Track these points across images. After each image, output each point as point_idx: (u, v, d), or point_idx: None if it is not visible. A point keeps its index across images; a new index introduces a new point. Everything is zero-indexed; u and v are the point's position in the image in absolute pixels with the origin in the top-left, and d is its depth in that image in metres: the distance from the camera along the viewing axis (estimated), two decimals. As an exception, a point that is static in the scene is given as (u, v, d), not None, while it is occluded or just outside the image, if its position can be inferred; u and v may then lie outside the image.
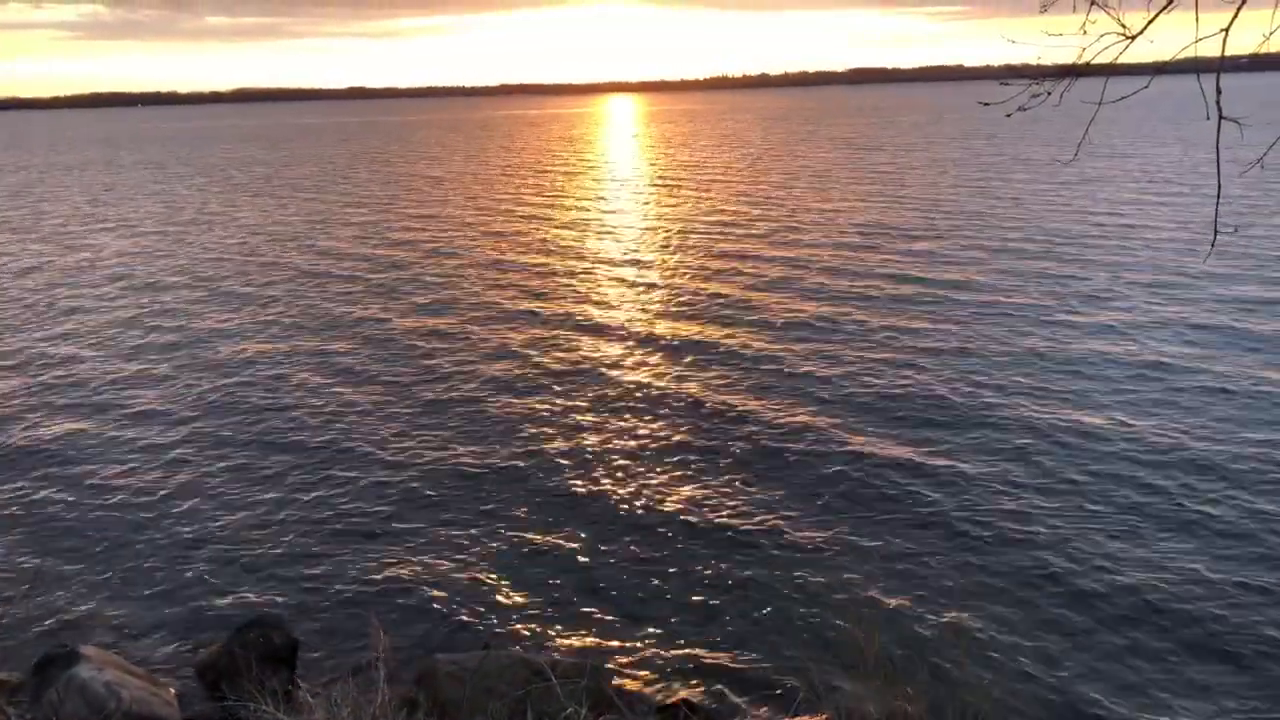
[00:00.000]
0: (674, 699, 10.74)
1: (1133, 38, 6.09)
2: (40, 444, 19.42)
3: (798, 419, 19.27)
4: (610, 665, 11.35)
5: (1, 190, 75.66)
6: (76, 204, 63.86)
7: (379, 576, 13.82)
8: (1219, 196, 7.07)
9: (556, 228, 46.56)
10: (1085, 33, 6.13)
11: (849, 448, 17.74)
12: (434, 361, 24.21)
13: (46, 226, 52.78)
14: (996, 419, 18.86)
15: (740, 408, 20.01)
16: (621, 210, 52.63)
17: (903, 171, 66.19)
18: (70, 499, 16.80)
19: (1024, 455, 17.11)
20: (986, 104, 7.57)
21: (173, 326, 28.96)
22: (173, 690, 11.01)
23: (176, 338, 27.57)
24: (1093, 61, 6.68)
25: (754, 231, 42.55)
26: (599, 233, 44.68)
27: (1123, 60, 6.71)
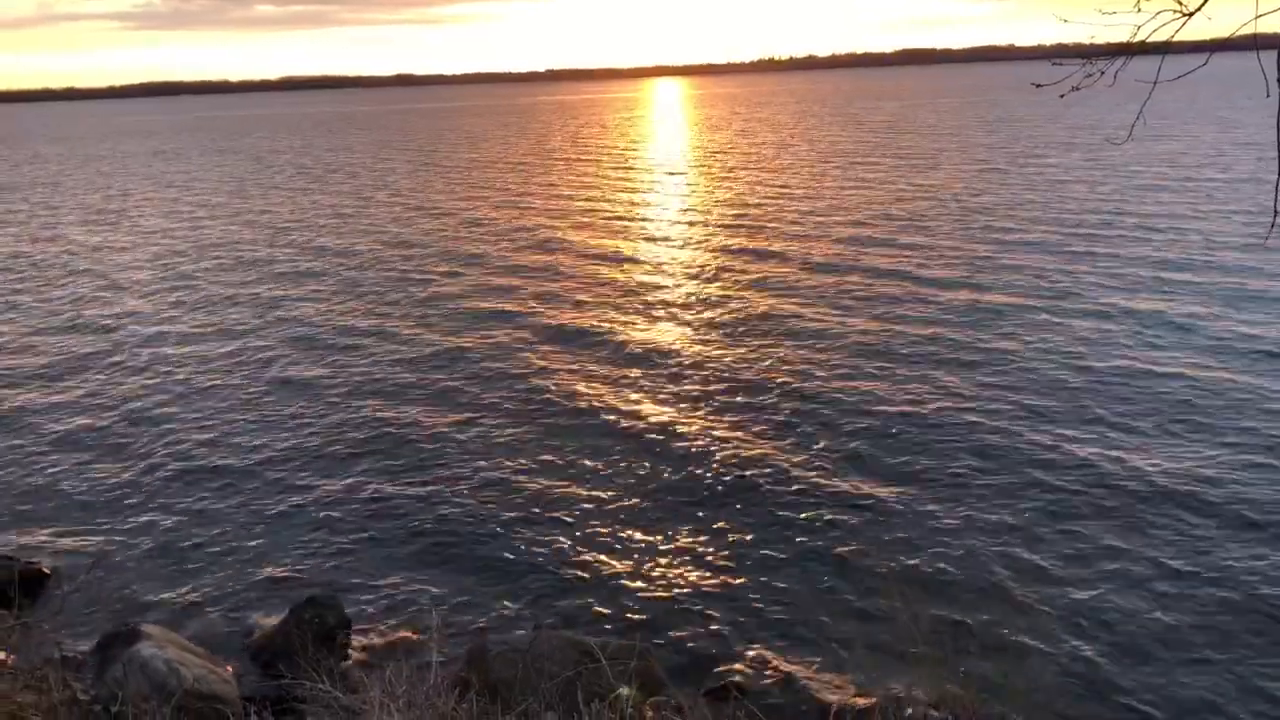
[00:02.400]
0: (722, 681, 10.79)
1: (1190, 14, 5.97)
2: (102, 425, 19.86)
3: (844, 398, 19.19)
4: (659, 647, 11.42)
5: (86, 177, 77.12)
6: (148, 189, 64.98)
7: (431, 557, 14.01)
8: (1280, 177, 6.91)
9: (602, 213, 46.60)
10: (1140, 10, 6.01)
11: (899, 426, 17.66)
12: (488, 343, 24.39)
13: (142, 211, 53.75)
14: (1048, 397, 18.66)
15: (787, 386, 19.97)
16: (671, 193, 52.56)
17: (952, 153, 65.37)
18: (130, 480, 17.19)
19: (1083, 437, 16.91)
20: (1040, 85, 7.48)
21: (235, 306, 29.45)
22: (230, 669, 11.22)
23: (238, 318, 28.03)
24: (1148, 40, 6.57)
25: (800, 212, 42.28)
26: (653, 218, 44.64)
27: (1179, 38, 6.60)
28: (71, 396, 21.92)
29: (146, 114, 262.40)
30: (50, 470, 17.79)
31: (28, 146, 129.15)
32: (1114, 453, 16.24)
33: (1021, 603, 12.15)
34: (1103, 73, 6.90)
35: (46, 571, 13.88)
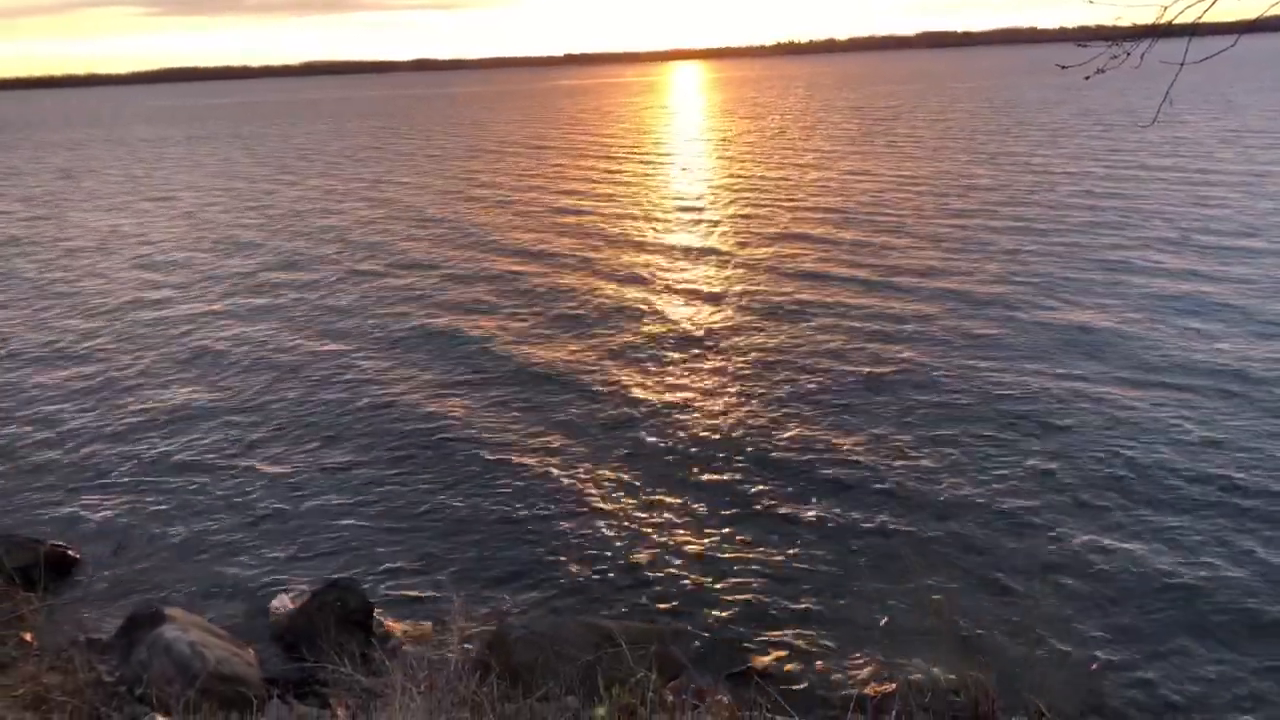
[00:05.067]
0: (744, 665, 10.80)
1: (1217, -5, 5.91)
2: (127, 410, 20.01)
3: (868, 381, 19.13)
4: (680, 631, 11.44)
5: (120, 163, 77.64)
6: (178, 173, 65.35)
7: (453, 541, 14.06)
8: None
9: (628, 196, 46.55)
10: (1167, -10, 5.96)
11: (923, 409, 17.59)
12: (508, 331, 24.42)
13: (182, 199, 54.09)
14: (1079, 383, 18.55)
15: (809, 370, 19.92)
16: (680, 176, 52.44)
17: (976, 135, 64.87)
18: (154, 463, 17.32)
19: (1110, 427, 16.80)
20: (1064, 67, 7.39)
21: (261, 291, 29.61)
22: (252, 651, 11.30)
23: (263, 303, 28.18)
24: (1174, 21, 6.50)
25: (825, 194, 42.13)
26: (667, 202, 44.57)
27: (1207, 19, 6.52)
28: (96, 381, 22.09)
29: (168, 100, 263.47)
30: (75, 453, 17.94)
31: (61, 132, 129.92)
32: (1152, 438, 16.11)
33: (1047, 588, 12.09)
34: (1128, 54, 6.83)
35: (71, 554, 14.00)
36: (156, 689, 9.00)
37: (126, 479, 16.80)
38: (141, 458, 17.65)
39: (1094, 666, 10.58)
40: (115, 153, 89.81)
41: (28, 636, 11.23)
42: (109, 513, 15.52)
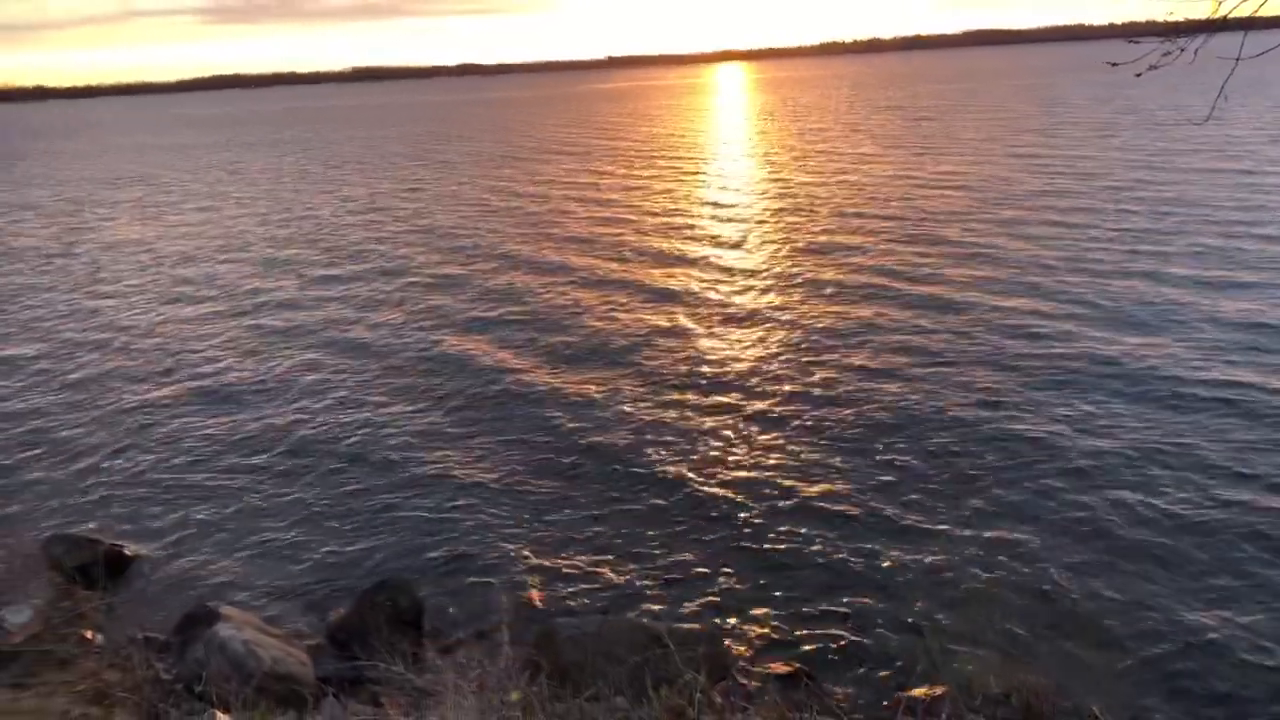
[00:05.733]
0: (792, 667, 10.77)
1: (1276, -13, 5.81)
2: (182, 412, 20.35)
3: (917, 390, 19.00)
4: (727, 633, 11.43)
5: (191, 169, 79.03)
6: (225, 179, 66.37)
7: (500, 542, 14.14)
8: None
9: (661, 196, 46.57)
10: (1222, -16, 5.88)
11: (972, 418, 17.43)
12: (561, 326, 24.54)
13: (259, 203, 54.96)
14: (1123, 390, 18.31)
15: (861, 379, 19.81)
16: (723, 182, 52.36)
17: (1022, 135, 64.12)
18: (208, 465, 17.60)
19: (1162, 431, 16.56)
20: (1115, 64, 7.29)
21: (314, 293, 29.97)
22: (305, 650, 11.43)
23: (315, 305, 28.53)
24: (1230, 15, 6.41)
25: (867, 198, 41.87)
26: (712, 205, 44.51)
27: (1264, 12, 6.43)
28: (149, 383, 22.48)
29: (216, 107, 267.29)
30: (130, 454, 18.27)
31: (112, 138, 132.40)
32: (1206, 454, 15.78)
33: (1098, 591, 11.94)
34: (1182, 50, 6.74)
35: (128, 553, 14.28)
36: (215, 687, 9.15)
37: (180, 479, 17.09)
38: (195, 459, 17.95)
39: (1146, 673, 10.44)
40: (161, 160, 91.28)
41: (88, 634, 11.46)
42: (164, 512, 15.80)
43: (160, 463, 17.86)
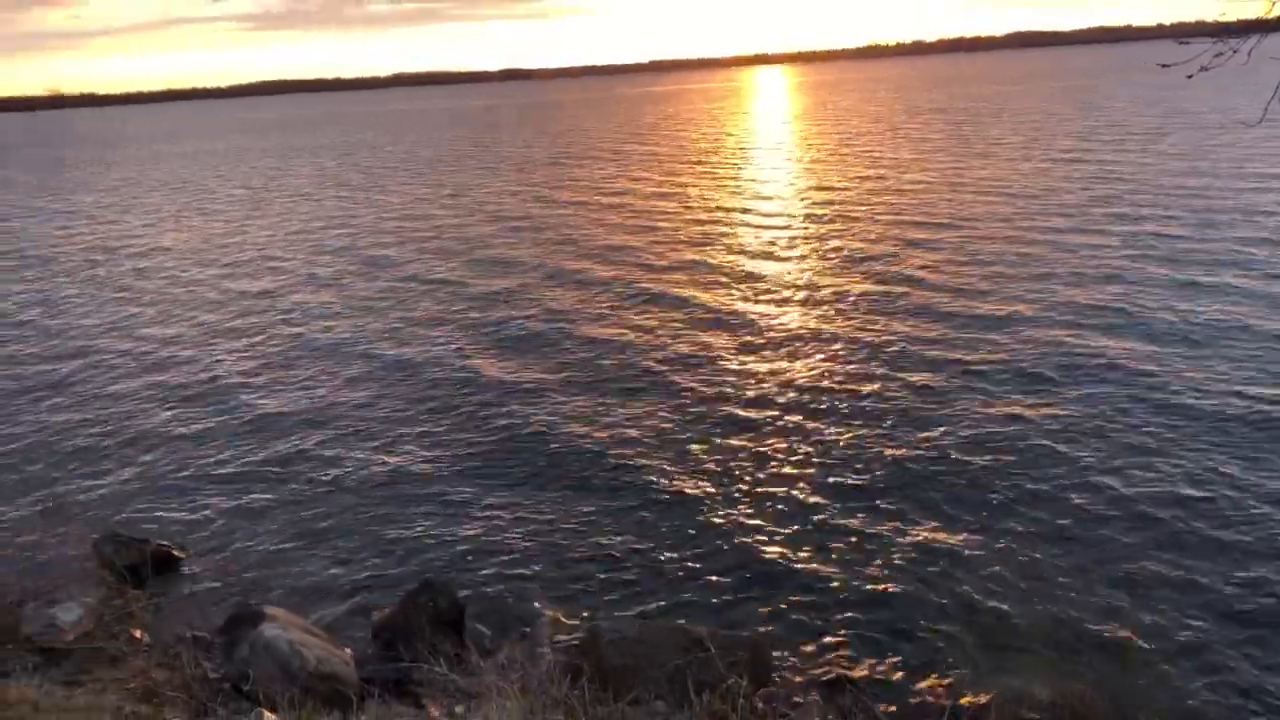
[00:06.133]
0: (835, 675, 10.70)
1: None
2: (227, 415, 20.61)
3: (957, 399, 18.83)
4: (770, 639, 11.37)
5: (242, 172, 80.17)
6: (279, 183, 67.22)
7: (542, 545, 14.19)
8: None
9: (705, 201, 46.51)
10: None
11: (1014, 430, 17.25)
12: (606, 334, 24.60)
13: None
14: (1172, 403, 18.03)
15: (900, 389, 19.67)
16: (765, 184, 52.22)
17: (1068, 139, 63.36)
18: (253, 465, 17.81)
19: (1217, 444, 16.29)
20: (1166, 65, 7.19)
21: (360, 297, 30.26)
22: (348, 650, 11.53)
23: (364, 309, 28.80)
24: (1285, 15, 6.31)
25: (902, 202, 41.58)
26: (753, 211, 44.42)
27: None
28: (196, 385, 22.80)
29: (263, 112, 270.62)
30: (177, 456, 18.53)
31: (164, 145, 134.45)
32: (1264, 476, 15.48)
33: (1147, 599, 11.76)
34: (1235, 50, 6.64)
35: (175, 553, 14.48)
36: (262, 686, 9.25)
37: (226, 481, 17.31)
38: (241, 460, 18.17)
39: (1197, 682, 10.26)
40: (205, 165, 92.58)
41: (137, 632, 11.64)
42: (210, 514, 16.01)
43: (206, 465, 18.09)
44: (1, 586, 11.80)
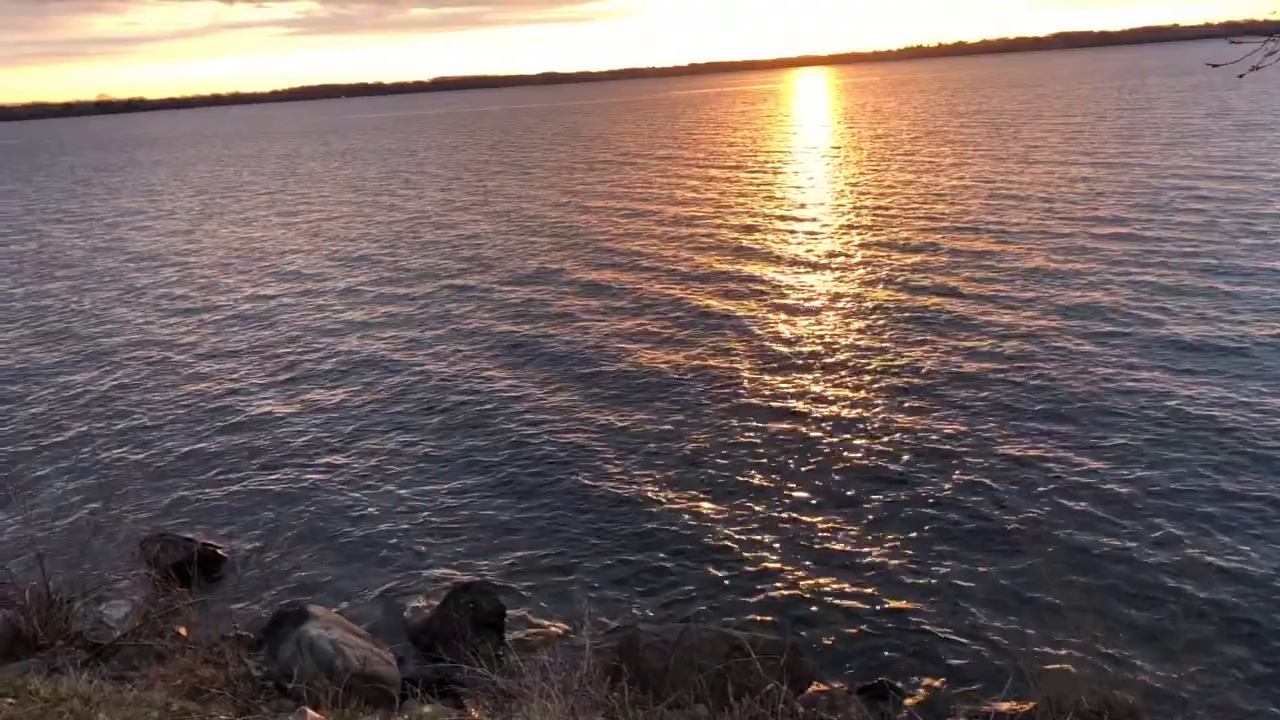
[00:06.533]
0: (876, 679, 10.63)
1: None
2: (272, 417, 20.86)
3: (996, 401, 18.66)
4: (810, 643, 11.32)
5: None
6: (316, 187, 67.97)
7: (581, 547, 14.22)
8: None
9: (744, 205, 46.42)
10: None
11: (1052, 431, 17.07)
12: (640, 336, 24.63)
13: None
14: (1238, 400, 17.76)
15: (954, 379, 19.53)
16: (808, 187, 52.01)
17: (1111, 141, 62.54)
18: (296, 467, 18.00)
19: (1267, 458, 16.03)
20: (1215, 65, 7.09)
21: (399, 300, 30.50)
22: (390, 650, 11.61)
23: (400, 311, 29.04)
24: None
25: (941, 204, 41.26)
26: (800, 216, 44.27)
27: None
28: (240, 389, 23.08)
29: (306, 116, 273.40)
30: (224, 459, 18.77)
31: (208, 148, 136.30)
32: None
33: (1195, 605, 11.58)
34: (1290, 48, 6.54)
35: (220, 552, 14.68)
36: (306, 685, 9.35)
37: (270, 482, 17.51)
38: (285, 462, 18.38)
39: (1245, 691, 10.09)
40: (253, 168, 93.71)
41: (183, 630, 11.77)
42: (255, 514, 16.21)
43: (251, 466, 18.31)
44: (52, 584, 11.99)
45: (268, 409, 21.43)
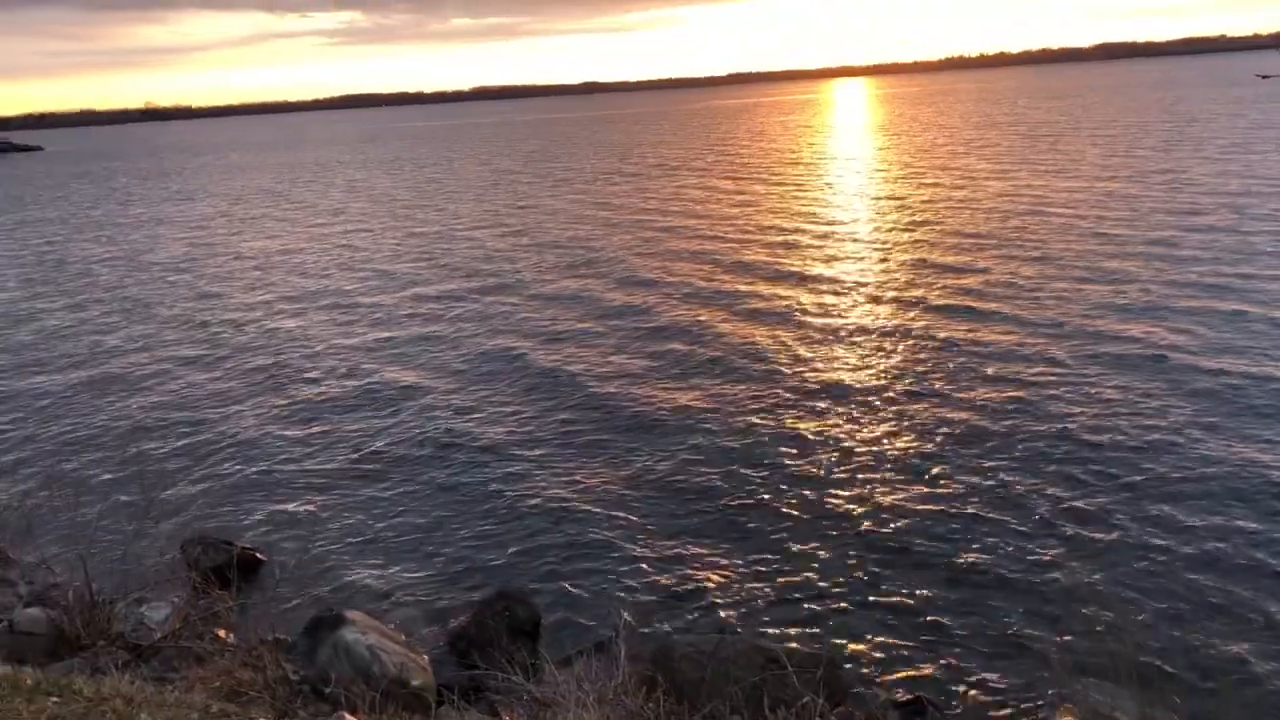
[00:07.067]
0: (914, 695, 10.53)
1: None
2: (310, 424, 21.05)
3: (1039, 415, 18.47)
4: (846, 657, 11.25)
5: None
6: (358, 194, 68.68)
7: (617, 556, 14.21)
8: None
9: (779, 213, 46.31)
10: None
11: (1095, 445, 16.86)
12: (680, 345, 24.63)
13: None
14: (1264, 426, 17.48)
15: (983, 402, 19.36)
16: (850, 195, 51.82)
17: (1154, 154, 61.81)
18: (335, 471, 18.15)
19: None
20: (1265, 76, 6.99)
21: (438, 303, 30.71)
22: (425, 656, 11.65)
23: (441, 316, 29.22)
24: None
25: (979, 215, 40.94)
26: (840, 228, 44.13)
27: None
28: (281, 395, 23.31)
29: (348, 124, 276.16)
30: (264, 463, 18.95)
31: (246, 157, 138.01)
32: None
33: (1240, 622, 11.39)
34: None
35: (259, 556, 14.81)
36: (343, 689, 9.40)
37: (309, 487, 17.65)
38: (324, 466, 18.53)
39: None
40: (292, 175, 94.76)
41: (222, 633, 11.89)
42: (294, 518, 16.34)
43: (291, 471, 18.47)
44: (95, 586, 12.16)
45: (308, 414, 21.61)
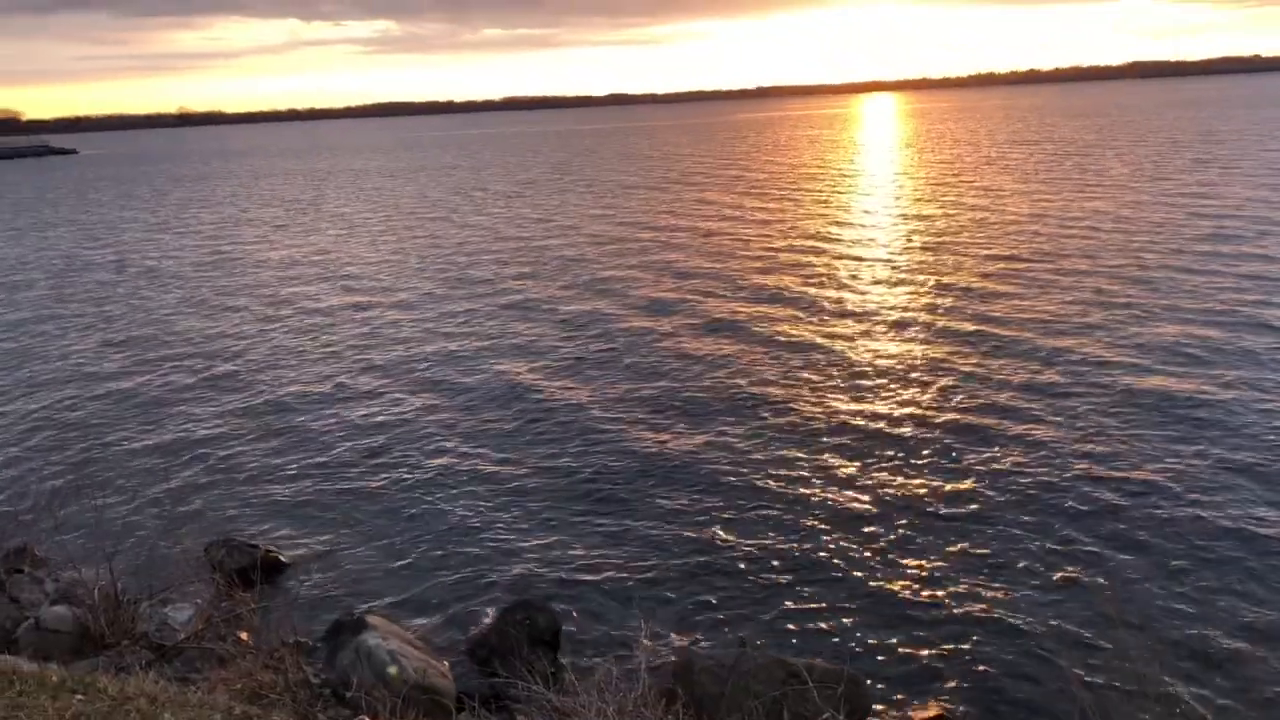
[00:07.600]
0: (935, 712, 10.46)
1: None
2: (334, 428, 21.16)
3: (1060, 438, 18.33)
4: (868, 673, 11.17)
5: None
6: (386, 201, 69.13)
7: (639, 568, 14.19)
8: None
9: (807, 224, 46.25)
10: None
11: (1120, 470, 16.71)
12: (711, 355, 24.62)
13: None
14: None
15: (1004, 426, 19.23)
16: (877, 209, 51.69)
17: (1183, 175, 61.31)
18: (359, 477, 18.22)
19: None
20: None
21: (468, 314, 30.83)
22: (446, 663, 11.66)
23: (467, 327, 29.34)
24: None
25: (1003, 235, 40.72)
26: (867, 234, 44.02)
27: None
28: (306, 400, 23.45)
29: (379, 133, 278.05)
30: (289, 467, 19.06)
31: (280, 163, 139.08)
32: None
33: (1268, 655, 11.24)
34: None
35: (283, 559, 14.89)
36: (364, 693, 9.43)
37: (334, 492, 17.74)
38: (348, 472, 18.61)
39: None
40: (322, 181, 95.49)
41: (244, 635, 11.95)
42: (317, 523, 16.42)
43: (315, 475, 18.56)
44: (120, 585, 12.26)
45: (333, 419, 21.73)
